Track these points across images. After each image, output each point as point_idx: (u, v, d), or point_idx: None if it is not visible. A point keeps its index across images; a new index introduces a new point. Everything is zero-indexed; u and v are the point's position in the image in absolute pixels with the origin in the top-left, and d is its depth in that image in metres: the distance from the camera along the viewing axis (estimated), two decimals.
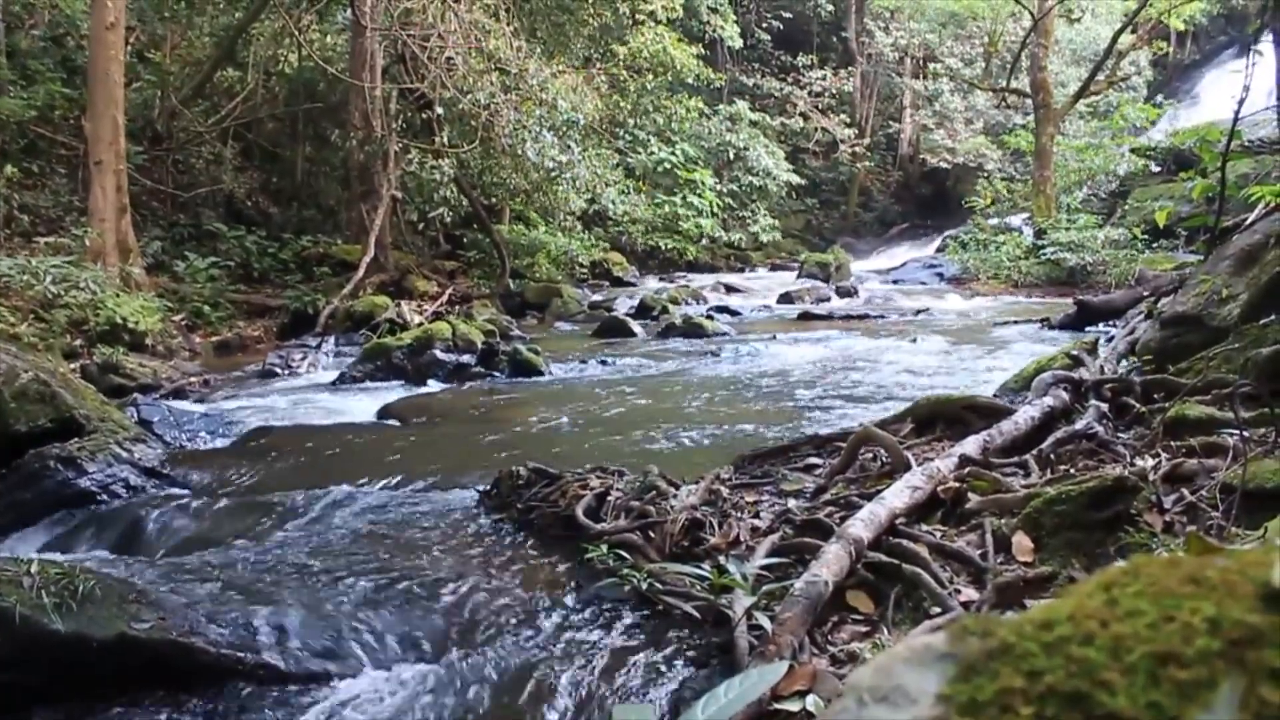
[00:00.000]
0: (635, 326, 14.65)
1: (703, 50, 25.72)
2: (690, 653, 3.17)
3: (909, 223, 36.04)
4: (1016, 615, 0.59)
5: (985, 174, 30.14)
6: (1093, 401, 5.05)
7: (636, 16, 21.96)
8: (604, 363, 11.19)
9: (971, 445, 4.43)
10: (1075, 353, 6.54)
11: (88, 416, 6.22)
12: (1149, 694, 0.50)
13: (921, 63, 36.35)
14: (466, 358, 10.69)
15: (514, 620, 3.56)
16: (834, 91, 36.06)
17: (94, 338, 10.67)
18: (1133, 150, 24.79)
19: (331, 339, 13.21)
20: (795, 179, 31.47)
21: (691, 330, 13.93)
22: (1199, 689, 0.50)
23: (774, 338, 13.06)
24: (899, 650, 0.60)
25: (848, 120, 35.60)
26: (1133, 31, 25.34)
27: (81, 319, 10.77)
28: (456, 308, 15.61)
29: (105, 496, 5.57)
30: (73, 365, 9.47)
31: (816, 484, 4.57)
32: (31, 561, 3.25)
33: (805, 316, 16.52)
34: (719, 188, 28.97)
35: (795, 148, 34.62)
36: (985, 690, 0.54)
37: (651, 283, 23.45)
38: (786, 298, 19.43)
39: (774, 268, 28.99)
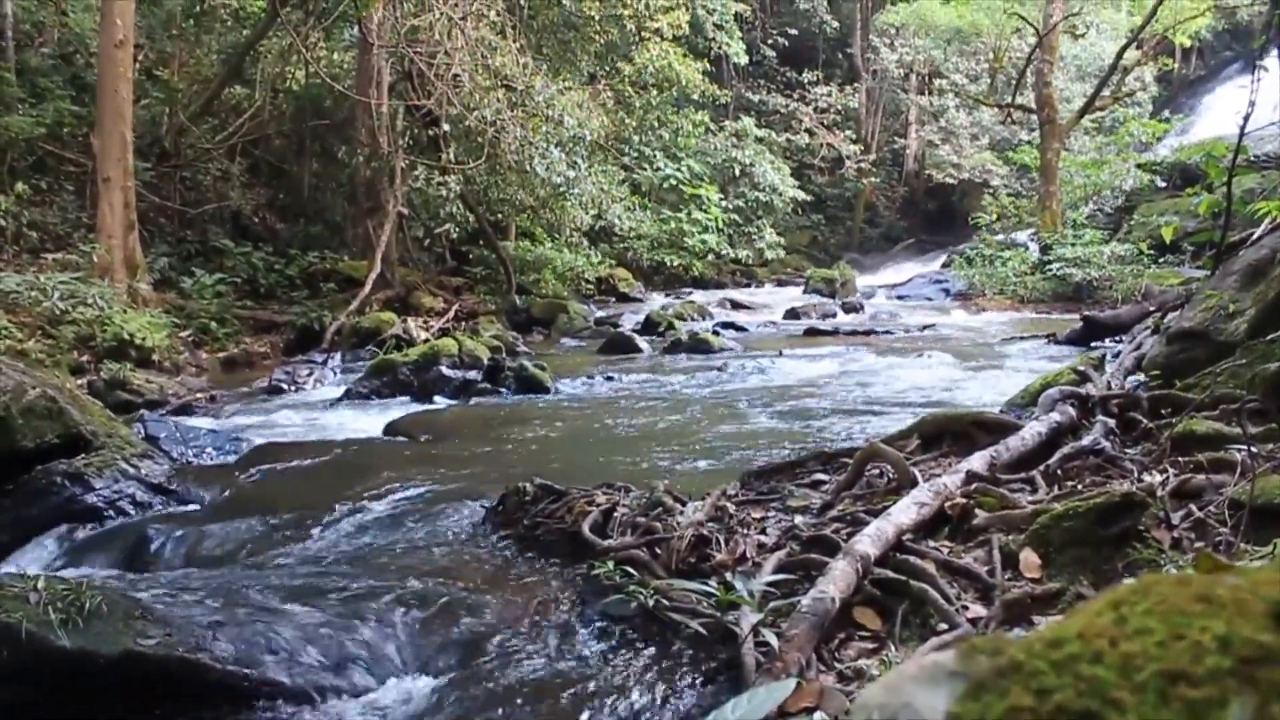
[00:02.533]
0: (641, 342, 14.64)
1: (708, 66, 25.78)
2: (697, 669, 3.16)
3: (915, 238, 36.05)
4: (1026, 633, 0.59)
5: (991, 189, 30.15)
6: (1100, 417, 5.03)
7: (642, 33, 22.02)
8: (610, 379, 11.18)
9: (978, 461, 4.42)
10: (1082, 368, 6.53)
11: (94, 432, 6.22)
12: (1159, 713, 0.50)
13: (927, 79, 36.42)
14: (473, 374, 10.69)
15: (520, 636, 3.56)
16: (839, 107, 36.14)
17: (101, 354, 10.69)
18: (1138, 166, 24.80)
19: (338, 355, 13.24)
20: (801, 195, 31.51)
21: (697, 346, 13.92)
22: (1210, 708, 0.49)
23: (780, 353, 13.05)
24: (908, 668, 0.60)
25: (853, 136, 35.67)
26: (1138, 47, 25.35)
27: (89, 335, 10.80)
28: (463, 324, 15.62)
29: (112, 512, 5.57)
30: (80, 381, 9.49)
31: (823, 500, 4.55)
32: (38, 577, 3.25)
33: (811, 332, 16.51)
34: (724, 204, 29.02)
35: (801, 164, 34.67)
36: (995, 708, 0.54)
37: (657, 298, 23.45)
38: (792, 313, 19.44)
39: (780, 284, 28.99)
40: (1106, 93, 24.84)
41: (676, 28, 22.52)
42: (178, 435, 7.51)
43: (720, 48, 29.31)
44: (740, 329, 17.43)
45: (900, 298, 23.98)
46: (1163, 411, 5.05)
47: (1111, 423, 4.95)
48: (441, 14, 15.30)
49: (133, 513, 5.63)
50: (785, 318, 19.29)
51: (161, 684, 3.05)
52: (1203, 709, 0.50)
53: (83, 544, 5.22)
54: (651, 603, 3.47)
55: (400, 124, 17.01)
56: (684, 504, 4.40)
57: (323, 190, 19.56)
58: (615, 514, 4.40)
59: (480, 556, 4.46)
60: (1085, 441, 4.63)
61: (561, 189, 17.56)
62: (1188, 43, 28.30)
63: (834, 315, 19.55)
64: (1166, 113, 29.45)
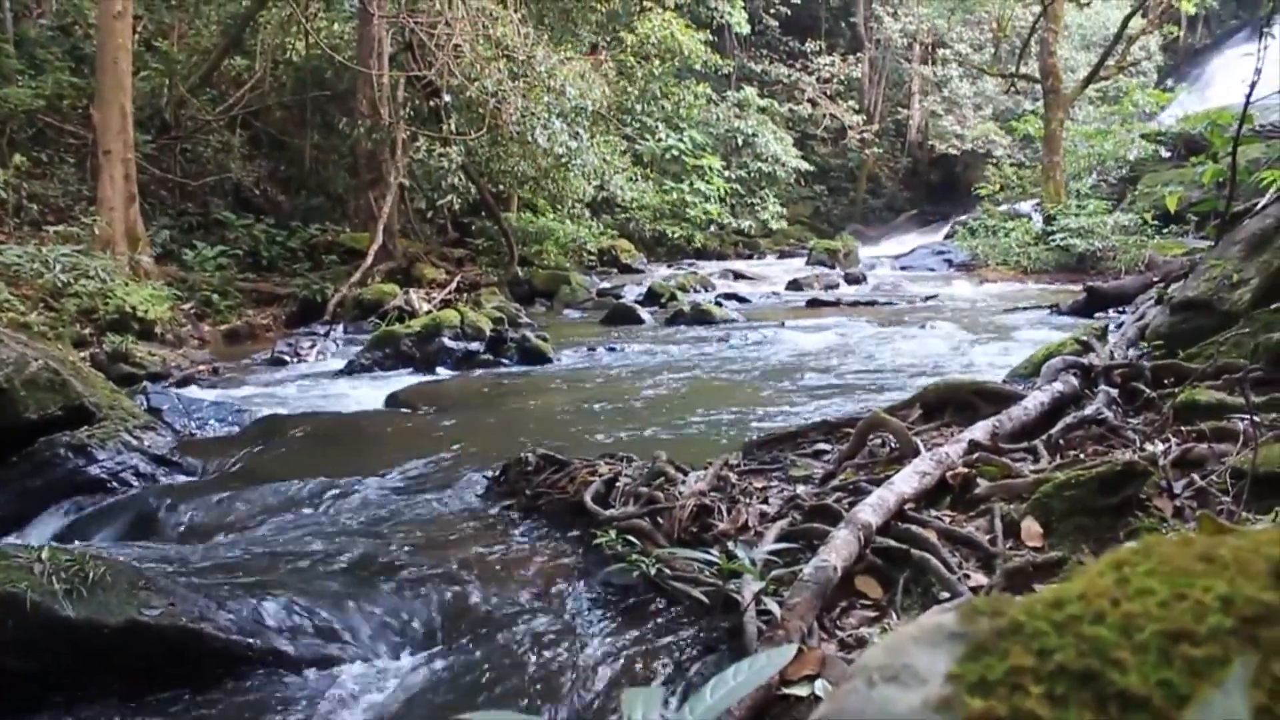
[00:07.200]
0: (643, 314, 14.64)
1: (710, 36, 25.63)
2: (699, 638, 3.17)
3: (918, 209, 35.95)
4: (1027, 595, 0.59)
5: (994, 160, 30.02)
6: (1102, 387, 5.02)
7: (644, 3, 21.88)
8: (612, 350, 11.19)
9: (980, 431, 4.41)
10: (1085, 338, 6.51)
11: (97, 404, 6.24)
12: (1160, 672, 0.50)
13: (930, 48, 36.19)
14: (475, 345, 10.69)
15: (522, 606, 3.57)
16: (842, 78, 35.92)
17: (103, 326, 10.69)
18: (1143, 135, 24.63)
19: (340, 327, 13.24)
20: (803, 165, 31.41)
21: (700, 317, 13.91)
22: (1211, 666, 0.49)
23: (782, 324, 13.05)
24: (909, 630, 0.60)
25: (856, 106, 35.49)
26: (1143, 15, 25.15)
27: (91, 307, 10.79)
28: (465, 295, 15.59)
29: (115, 484, 5.59)
30: (82, 353, 9.48)
31: (825, 470, 4.55)
32: (42, 548, 3.26)
33: (814, 303, 16.50)
34: (727, 174, 28.92)
35: (803, 134, 34.54)
36: (995, 669, 0.53)
37: (660, 270, 23.42)
38: (795, 284, 19.43)
39: (782, 254, 28.98)
40: (1111, 62, 24.67)
41: None
42: (180, 407, 7.52)
43: (722, 17, 29.08)
44: (743, 300, 17.42)
45: (903, 268, 23.96)
46: (1165, 381, 5.04)
47: (1114, 392, 4.94)
48: None
49: (136, 484, 5.64)
50: (788, 289, 19.28)
51: (165, 653, 3.06)
52: (1204, 668, 0.49)
53: (86, 515, 5.23)
54: (653, 572, 3.48)
55: (401, 95, 16.91)
56: (686, 474, 4.40)
57: (324, 162, 19.49)
58: (617, 484, 4.40)
59: (482, 527, 4.47)
60: (1088, 411, 4.62)
61: (563, 160, 17.51)
62: (1193, 11, 28.04)
63: (837, 286, 19.52)
64: (1171, 82, 29.24)
